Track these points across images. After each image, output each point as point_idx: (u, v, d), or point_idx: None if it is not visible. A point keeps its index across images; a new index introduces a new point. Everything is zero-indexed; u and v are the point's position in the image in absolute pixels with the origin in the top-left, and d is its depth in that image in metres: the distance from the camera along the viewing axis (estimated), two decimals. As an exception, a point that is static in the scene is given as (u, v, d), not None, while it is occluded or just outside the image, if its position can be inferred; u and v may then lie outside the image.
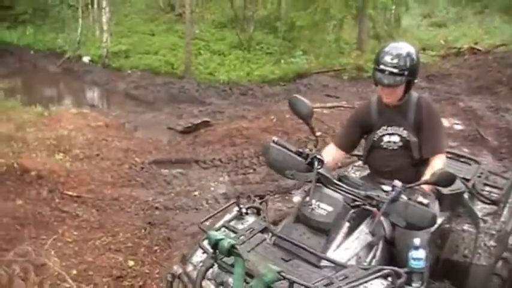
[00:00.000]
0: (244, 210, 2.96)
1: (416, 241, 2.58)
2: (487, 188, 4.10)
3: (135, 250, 5.08)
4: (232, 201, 2.98)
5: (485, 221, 3.67)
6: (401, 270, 2.45)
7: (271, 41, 18.78)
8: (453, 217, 3.63)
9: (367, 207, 2.81)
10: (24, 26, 21.19)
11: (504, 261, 3.66)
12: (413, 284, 2.55)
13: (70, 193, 6.25)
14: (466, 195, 3.75)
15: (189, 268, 2.74)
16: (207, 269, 2.48)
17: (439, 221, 3.15)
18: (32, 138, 7.95)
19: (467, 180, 3.91)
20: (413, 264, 2.57)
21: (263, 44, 18.68)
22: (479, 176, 4.15)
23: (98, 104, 13.95)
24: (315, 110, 3.32)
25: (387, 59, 3.12)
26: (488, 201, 3.87)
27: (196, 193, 6.84)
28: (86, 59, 17.81)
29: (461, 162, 4.31)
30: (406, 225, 2.66)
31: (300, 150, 2.99)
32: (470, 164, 4.34)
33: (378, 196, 2.75)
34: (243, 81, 15.36)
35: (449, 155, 3.96)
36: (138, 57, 17.53)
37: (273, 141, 3.05)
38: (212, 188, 7.07)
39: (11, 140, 7.56)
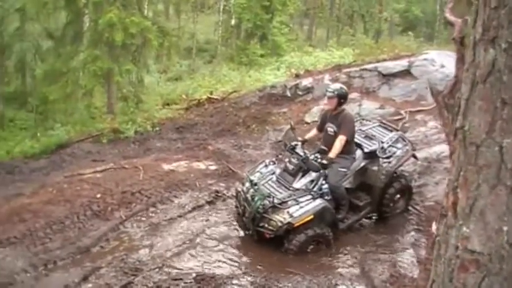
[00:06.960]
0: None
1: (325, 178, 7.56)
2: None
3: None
4: None
5: (382, 164, 7.85)
6: (315, 191, 7.42)
7: (24, 116, 19.06)
8: (370, 163, 7.99)
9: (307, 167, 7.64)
10: None
11: (397, 181, 8.23)
12: (326, 197, 7.39)
13: None
14: (377, 153, 7.93)
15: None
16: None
17: (363, 163, 7.97)
18: None
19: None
20: (323, 188, 7.43)
21: (16, 120, 18.88)
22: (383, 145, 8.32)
23: None
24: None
25: (328, 89, 7.95)
26: (385, 156, 7.99)
27: (3, 271, 7.50)
28: None
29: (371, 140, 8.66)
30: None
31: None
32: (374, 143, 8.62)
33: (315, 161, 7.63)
34: (5, 160, 15.42)
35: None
36: None
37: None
38: (16, 263, 7.74)
39: None
